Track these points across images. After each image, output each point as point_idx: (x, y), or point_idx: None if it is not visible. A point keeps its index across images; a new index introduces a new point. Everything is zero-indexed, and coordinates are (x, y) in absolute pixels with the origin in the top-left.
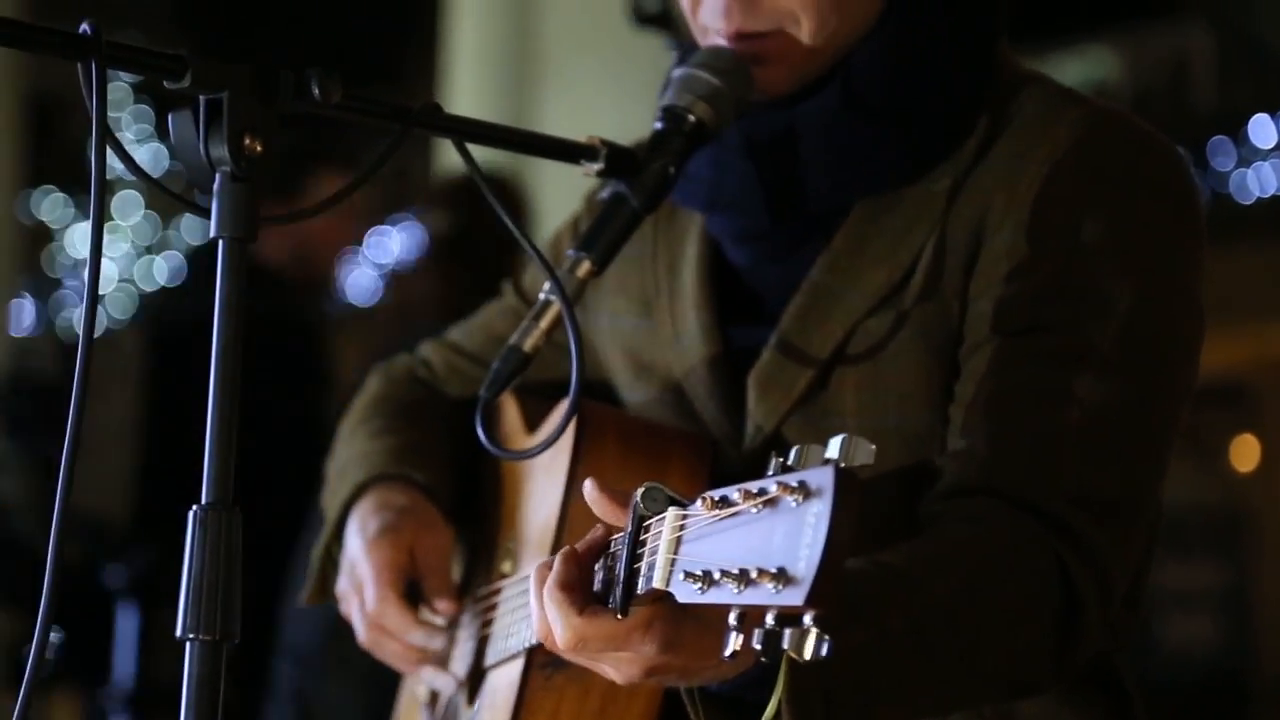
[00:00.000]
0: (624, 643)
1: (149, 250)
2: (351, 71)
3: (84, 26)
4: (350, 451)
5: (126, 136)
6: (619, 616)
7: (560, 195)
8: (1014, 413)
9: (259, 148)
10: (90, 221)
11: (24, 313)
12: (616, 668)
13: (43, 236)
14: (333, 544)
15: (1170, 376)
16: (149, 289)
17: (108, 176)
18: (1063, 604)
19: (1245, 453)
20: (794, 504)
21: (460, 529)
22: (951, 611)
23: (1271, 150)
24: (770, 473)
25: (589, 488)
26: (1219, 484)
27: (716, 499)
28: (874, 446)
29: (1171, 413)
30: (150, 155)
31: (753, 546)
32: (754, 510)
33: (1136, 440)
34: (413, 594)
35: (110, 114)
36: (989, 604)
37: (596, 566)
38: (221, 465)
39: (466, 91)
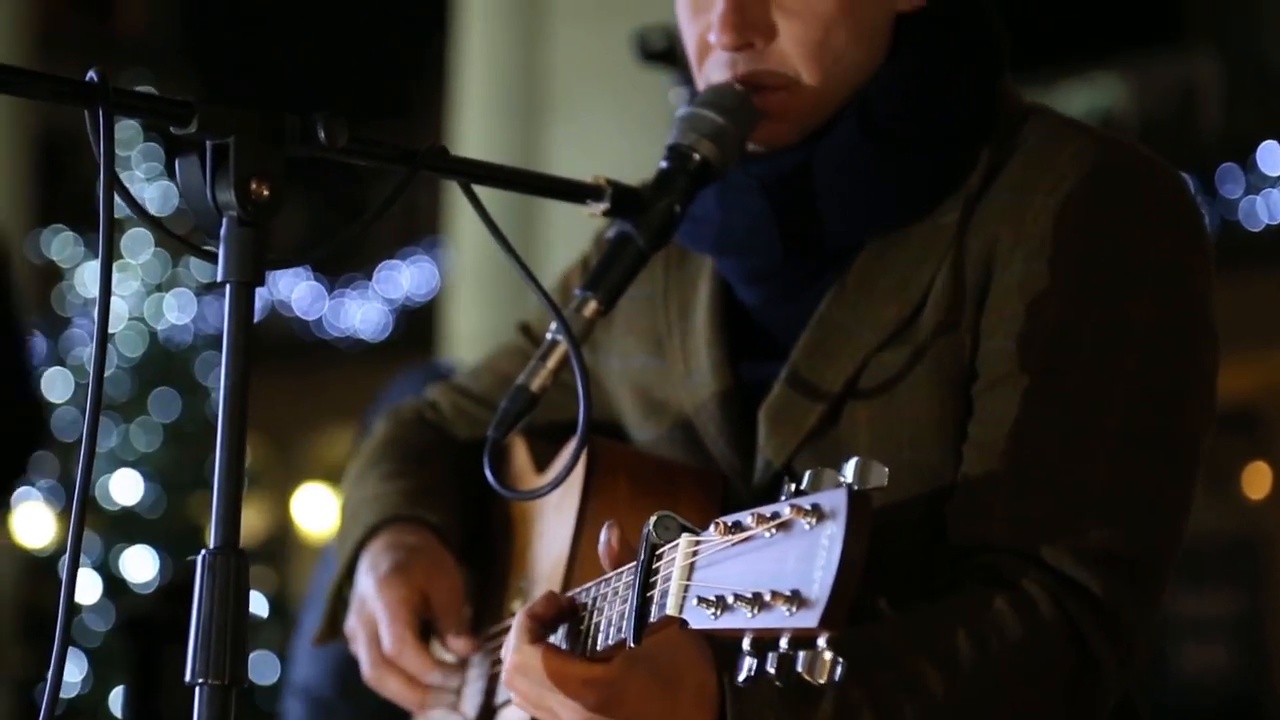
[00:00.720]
0: (564, 686)
1: (159, 288)
2: (361, 107)
3: (90, 74)
4: (361, 494)
5: (136, 175)
6: (631, 644)
7: (569, 233)
8: (1034, 465)
9: (265, 192)
10: (99, 265)
11: (35, 350)
12: (560, 711)
13: (53, 275)
14: (344, 584)
15: (1193, 405)
16: (160, 327)
17: (117, 215)
18: (1077, 667)
19: (1257, 480)
20: (807, 526)
21: (471, 570)
22: (956, 674)
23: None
24: (783, 497)
25: (607, 533)
26: (1232, 511)
27: (730, 524)
28: (887, 469)
29: (1196, 444)
30: (159, 194)
31: (766, 570)
32: (767, 534)
33: (1162, 486)
34: (424, 634)
35: (119, 152)
36: (996, 670)
37: (584, 609)
38: (229, 509)
39: (475, 126)
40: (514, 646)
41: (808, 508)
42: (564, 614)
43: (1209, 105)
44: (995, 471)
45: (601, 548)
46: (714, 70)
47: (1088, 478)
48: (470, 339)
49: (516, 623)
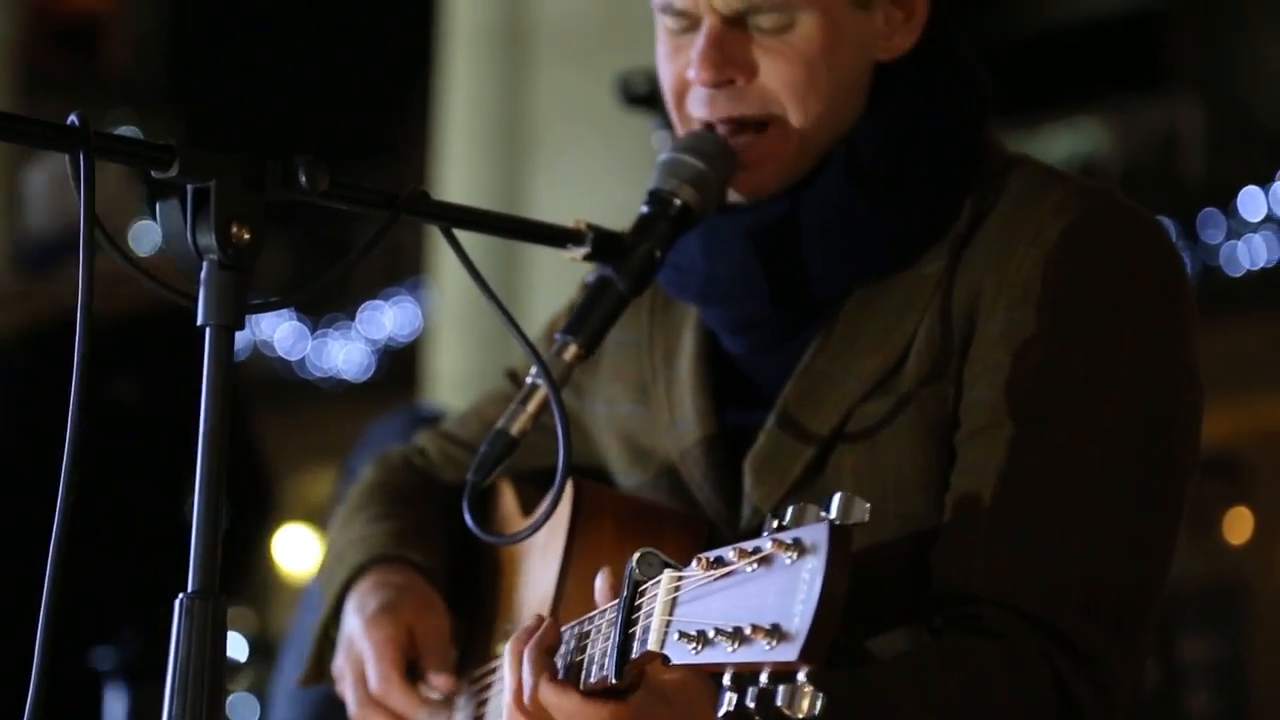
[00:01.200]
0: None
1: None
2: (344, 148)
3: (72, 118)
4: (348, 536)
5: None
6: (612, 681)
7: (552, 276)
8: (1017, 514)
9: (246, 236)
10: (79, 306)
11: None
12: None
13: None
14: (330, 625)
15: (1176, 452)
16: None
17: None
18: (1061, 716)
19: (1239, 525)
20: (789, 561)
21: (457, 612)
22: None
23: (1261, 223)
24: (765, 532)
25: (601, 579)
26: (1213, 557)
27: (711, 559)
28: (869, 505)
29: (1179, 492)
30: (142, 233)
31: (747, 604)
32: (749, 569)
33: (1144, 534)
34: (410, 673)
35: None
36: (981, 718)
37: (570, 646)
38: (207, 553)
39: (458, 168)
40: (528, 682)
41: (789, 542)
42: (558, 647)
43: (1191, 151)
44: (978, 521)
45: (597, 593)
46: (693, 107)
47: (1070, 527)
48: (453, 380)
49: (526, 655)
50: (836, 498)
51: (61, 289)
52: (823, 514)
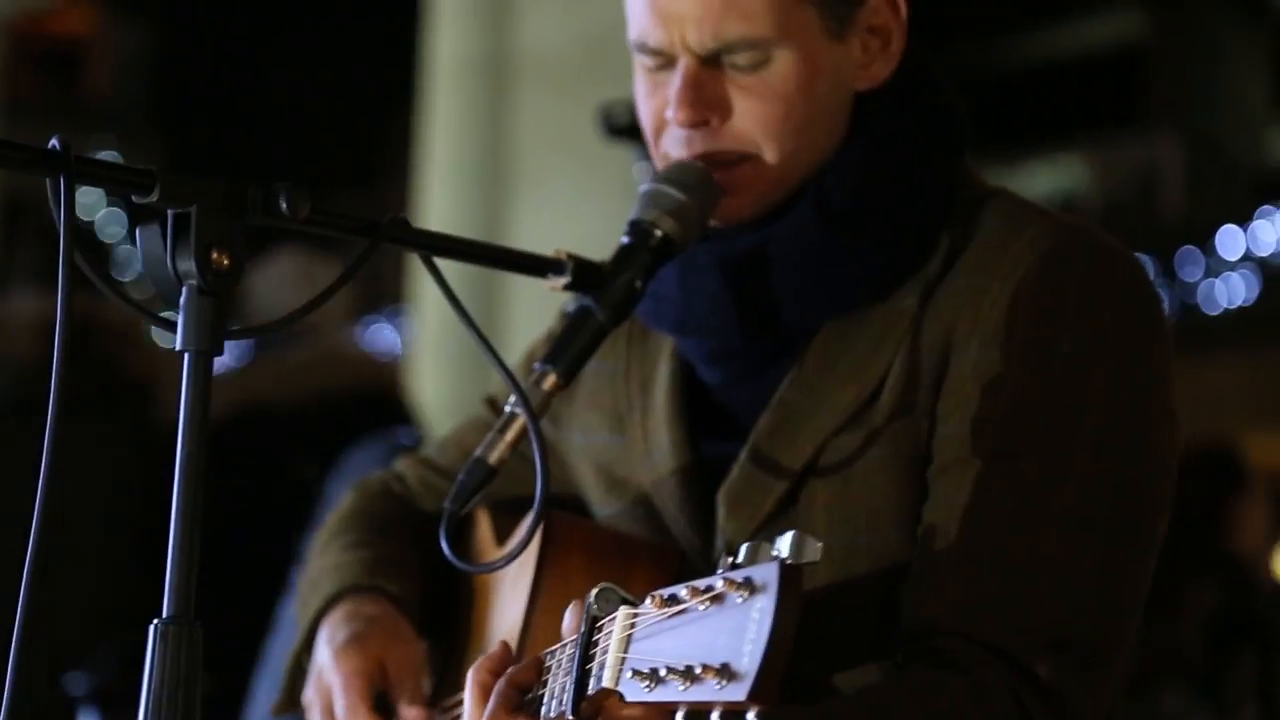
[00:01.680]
0: None
1: None
2: (326, 175)
3: (53, 142)
4: (322, 563)
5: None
6: (569, 717)
7: (532, 304)
8: (987, 549)
9: (226, 262)
10: (58, 331)
11: None
12: None
13: None
14: (303, 654)
15: (1148, 489)
16: None
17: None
18: None
19: None
20: (739, 600)
21: (432, 641)
22: None
23: (1239, 261)
24: (719, 569)
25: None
26: None
27: (666, 597)
28: (821, 544)
29: (1151, 530)
30: (123, 257)
31: (700, 643)
32: (701, 607)
33: (1114, 570)
34: (381, 704)
35: (83, 218)
36: None
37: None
38: (183, 578)
39: (440, 197)
40: (489, 715)
41: (740, 581)
42: (531, 680)
43: (1170, 188)
44: (947, 554)
45: (565, 627)
46: (670, 146)
47: (1039, 562)
48: (432, 407)
49: (495, 689)
50: (788, 537)
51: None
52: (774, 552)
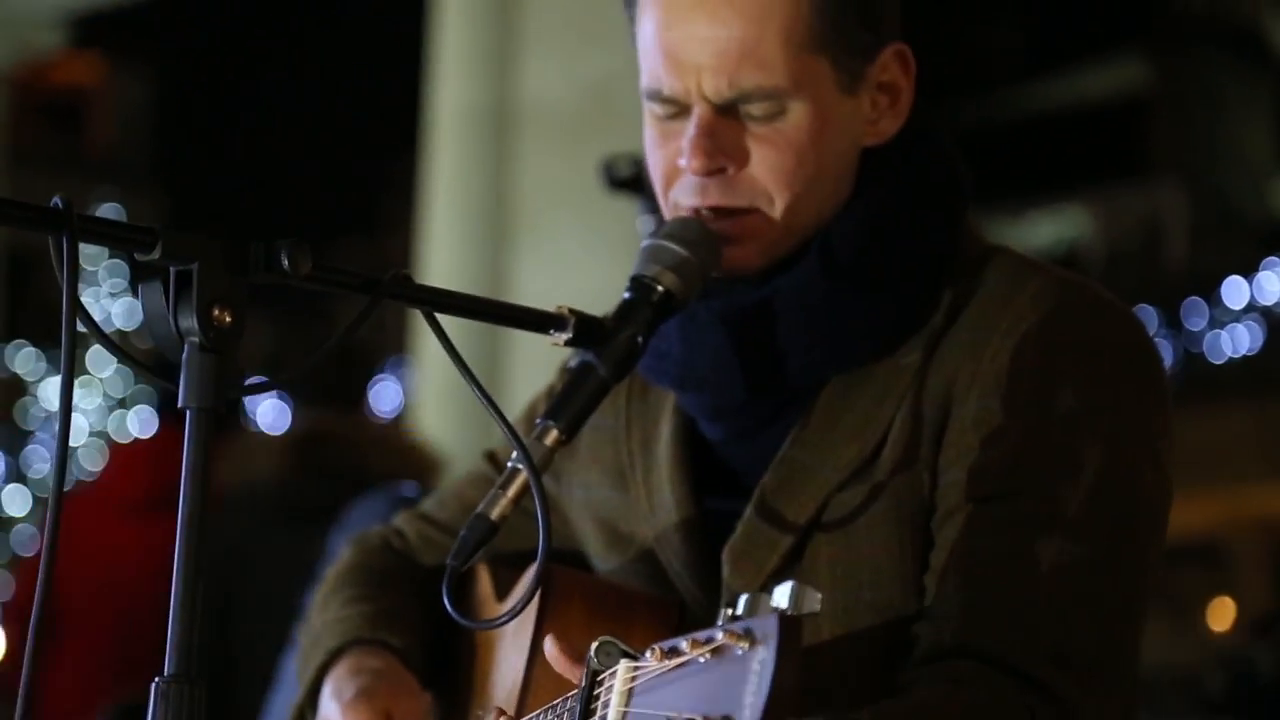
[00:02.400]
0: None
1: (121, 404)
2: (329, 225)
3: (55, 200)
4: (324, 618)
5: (101, 290)
6: None
7: (534, 358)
8: (988, 576)
9: (228, 319)
10: (60, 389)
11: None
12: None
13: (17, 389)
14: (306, 709)
15: (1138, 541)
16: (122, 440)
17: (82, 328)
18: None
19: (1221, 614)
20: (740, 652)
21: (436, 693)
22: None
23: (1244, 311)
24: (720, 621)
25: (549, 644)
26: (1195, 645)
27: (666, 649)
28: (820, 595)
29: (1142, 575)
30: (125, 310)
31: (701, 695)
32: (702, 659)
33: (1111, 601)
34: None
35: (85, 267)
36: None
37: None
38: (184, 637)
39: (443, 246)
40: None
41: (740, 632)
42: None
43: (1174, 239)
44: (953, 589)
45: (551, 659)
46: (682, 195)
47: (1039, 587)
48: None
49: None
50: (787, 587)
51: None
52: (774, 604)
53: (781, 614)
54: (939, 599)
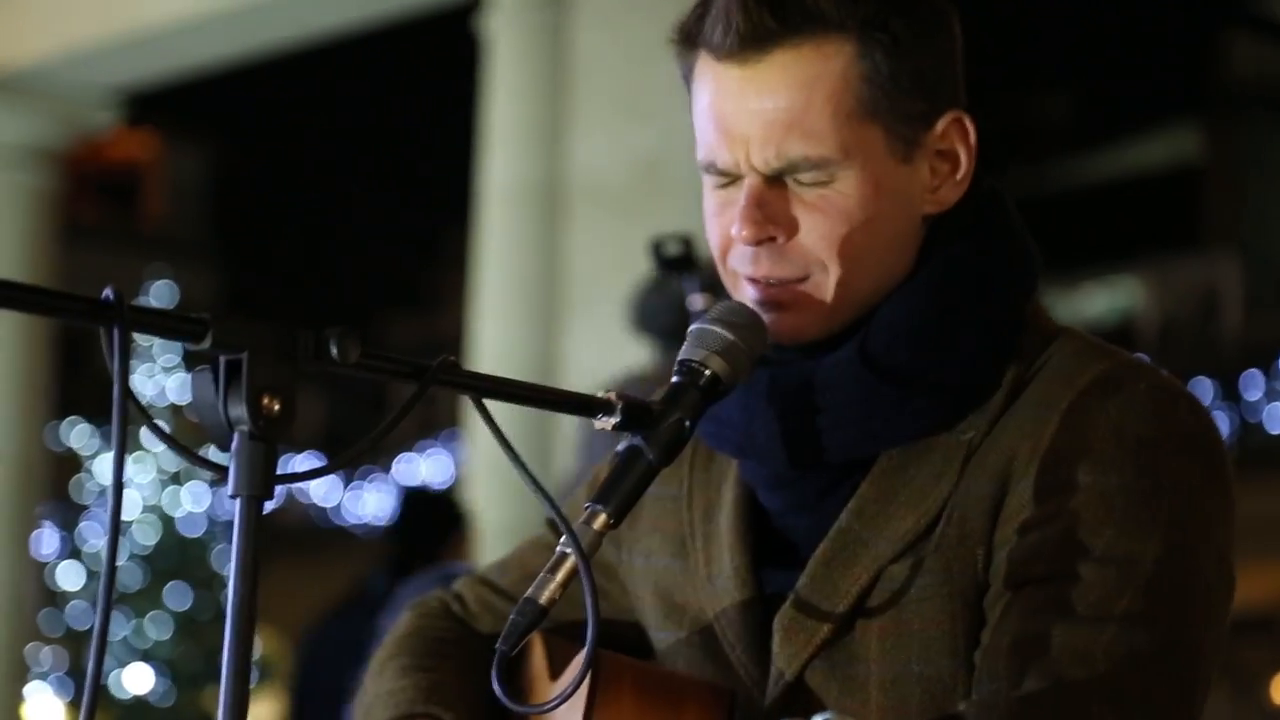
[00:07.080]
0: None
1: (175, 478)
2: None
3: (107, 292)
4: (378, 689)
5: (154, 366)
6: None
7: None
8: (1041, 661)
9: (277, 407)
10: (111, 474)
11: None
12: None
13: (72, 465)
14: None
15: (1195, 632)
16: (176, 515)
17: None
18: None
19: None
20: None
21: None
22: None
23: None
24: None
25: None
26: (1258, 718)
27: None
28: None
29: (1198, 667)
30: (179, 385)
31: None
32: None
33: (1165, 692)
34: None
35: (140, 343)
36: None
37: None
38: (236, 703)
39: (494, 320)
40: None
41: None
42: None
43: (1229, 309)
44: (1003, 670)
45: None
46: (738, 264)
47: (1091, 675)
48: (485, 531)
49: None
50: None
51: None
52: None
53: None
54: (989, 679)
